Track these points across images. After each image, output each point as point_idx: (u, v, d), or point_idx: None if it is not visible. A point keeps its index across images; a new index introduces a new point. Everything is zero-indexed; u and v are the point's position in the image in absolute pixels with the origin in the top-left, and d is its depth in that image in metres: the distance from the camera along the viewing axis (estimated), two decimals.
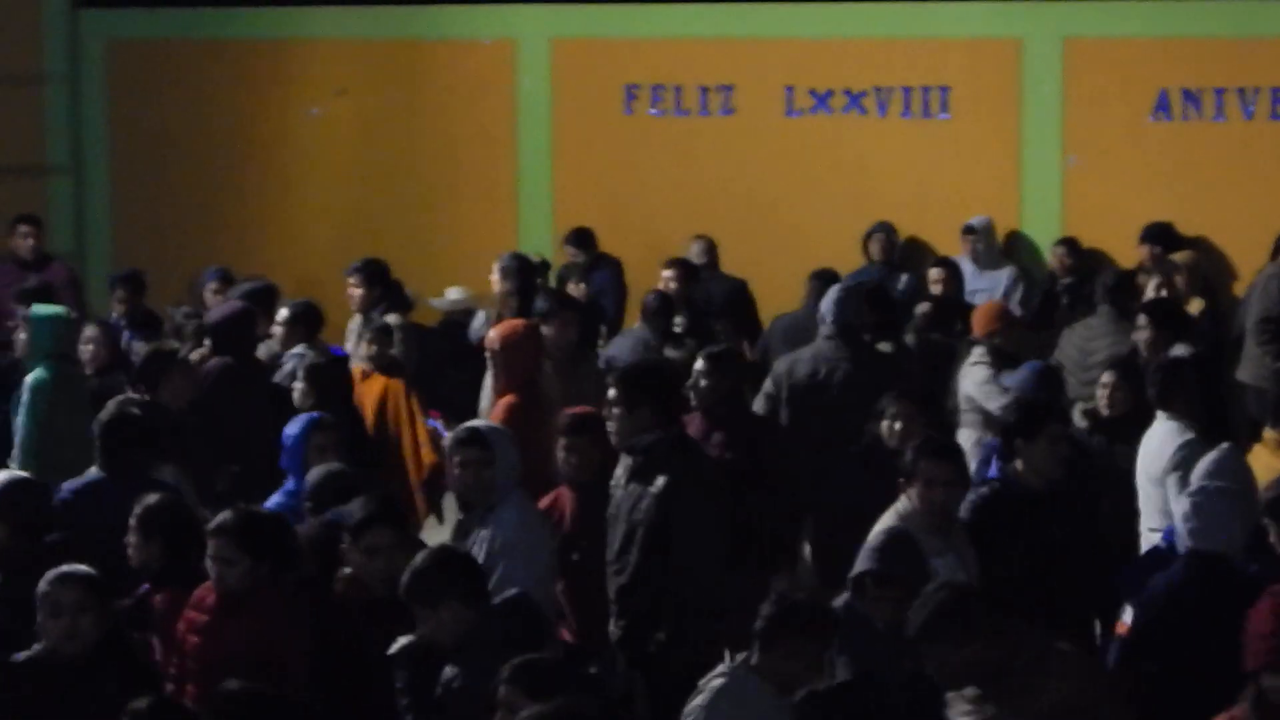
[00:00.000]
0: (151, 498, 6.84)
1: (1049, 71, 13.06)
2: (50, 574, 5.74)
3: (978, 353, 9.95)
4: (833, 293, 9.81)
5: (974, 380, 9.83)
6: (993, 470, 7.54)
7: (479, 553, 6.84)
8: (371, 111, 14.64)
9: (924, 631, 5.36)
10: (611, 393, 7.46)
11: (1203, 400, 8.54)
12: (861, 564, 6.37)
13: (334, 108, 14.73)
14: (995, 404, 9.48)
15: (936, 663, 5.39)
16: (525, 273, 11.70)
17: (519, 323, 9.84)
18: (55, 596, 5.64)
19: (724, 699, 5.51)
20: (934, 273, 11.75)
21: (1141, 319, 10.11)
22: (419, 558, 6.03)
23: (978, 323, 10.26)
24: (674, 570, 7.14)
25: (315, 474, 7.89)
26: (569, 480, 7.75)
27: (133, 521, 6.76)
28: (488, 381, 9.88)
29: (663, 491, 7.22)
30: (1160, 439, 8.14)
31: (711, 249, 12.78)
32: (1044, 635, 5.74)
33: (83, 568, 5.85)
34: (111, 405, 8.76)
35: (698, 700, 5.54)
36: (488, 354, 9.59)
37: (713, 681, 5.60)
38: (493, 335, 9.59)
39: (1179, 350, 9.58)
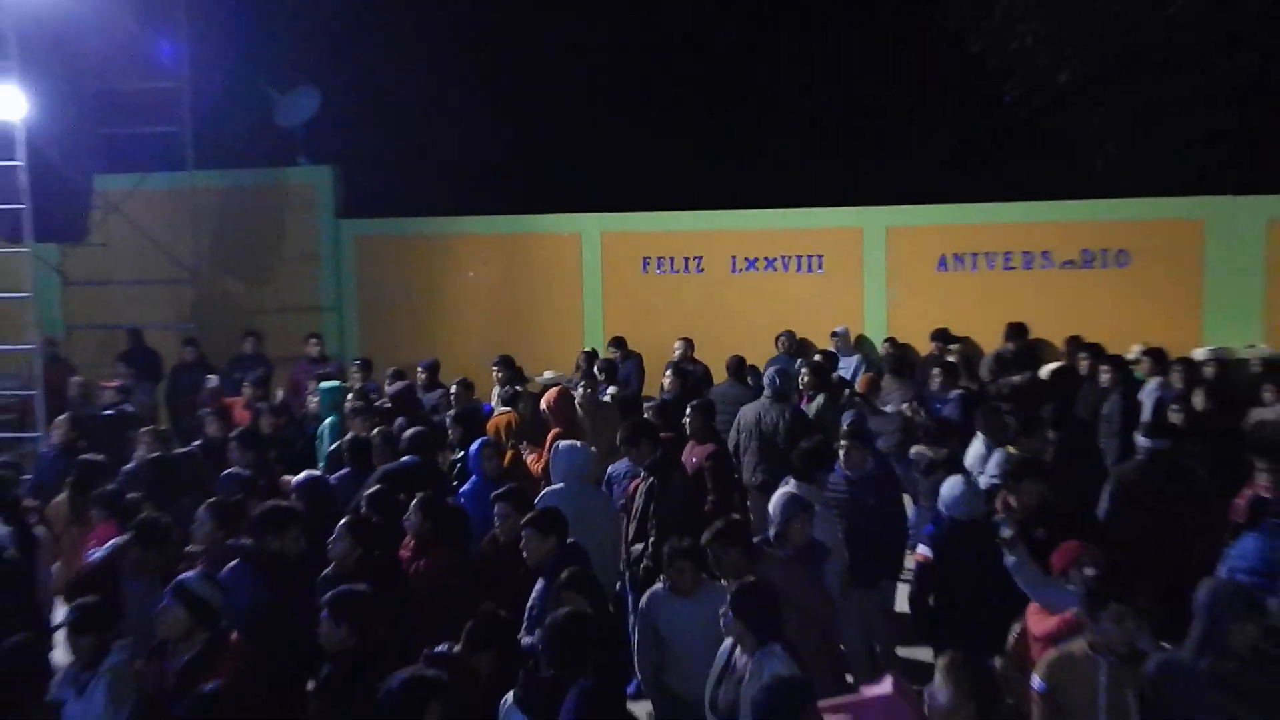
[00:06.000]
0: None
1: (878, 247, 15.48)
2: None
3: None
4: (770, 371, 10.75)
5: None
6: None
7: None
8: (500, 274, 16.68)
9: None
10: (620, 433, 8.46)
11: None
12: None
13: (480, 272, 16.83)
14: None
15: None
16: (589, 362, 13.42)
17: (555, 389, 10.86)
18: None
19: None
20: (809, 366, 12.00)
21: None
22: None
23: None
24: (657, 531, 7.90)
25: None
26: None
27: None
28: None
29: (647, 489, 8.07)
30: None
31: (690, 346, 14.40)
32: None
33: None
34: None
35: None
36: (543, 409, 10.54)
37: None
38: (544, 400, 10.70)
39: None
